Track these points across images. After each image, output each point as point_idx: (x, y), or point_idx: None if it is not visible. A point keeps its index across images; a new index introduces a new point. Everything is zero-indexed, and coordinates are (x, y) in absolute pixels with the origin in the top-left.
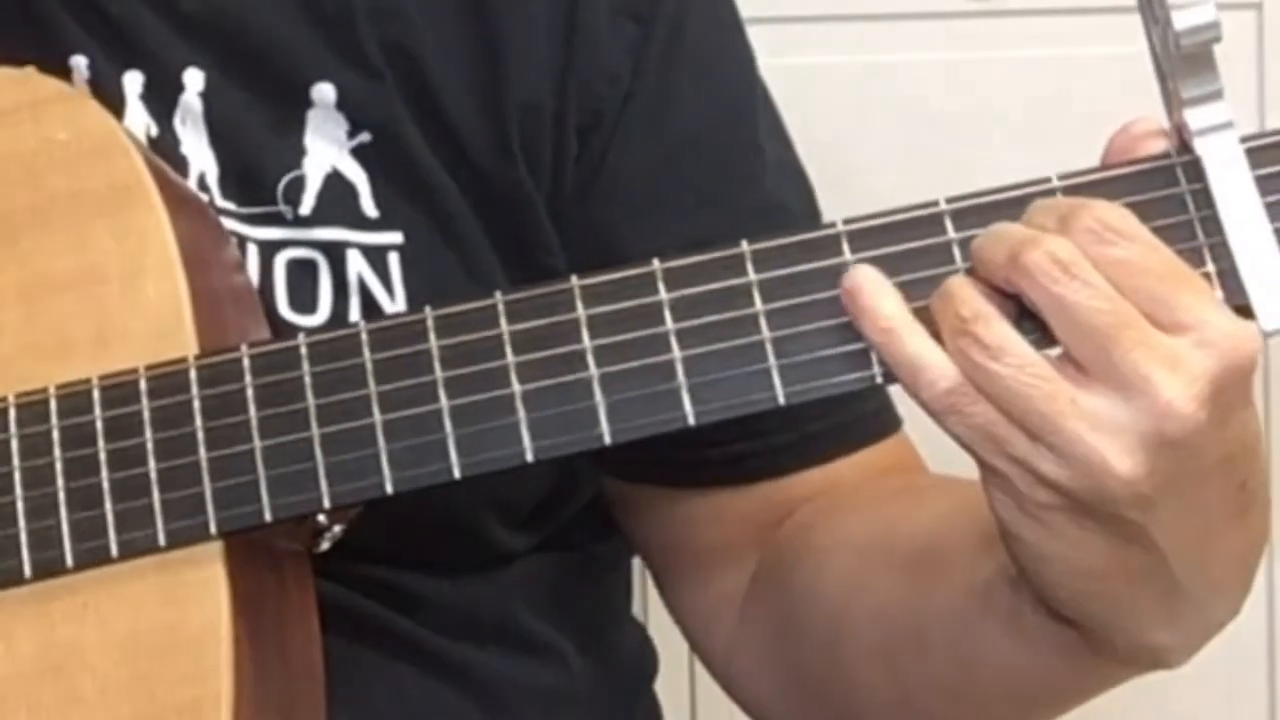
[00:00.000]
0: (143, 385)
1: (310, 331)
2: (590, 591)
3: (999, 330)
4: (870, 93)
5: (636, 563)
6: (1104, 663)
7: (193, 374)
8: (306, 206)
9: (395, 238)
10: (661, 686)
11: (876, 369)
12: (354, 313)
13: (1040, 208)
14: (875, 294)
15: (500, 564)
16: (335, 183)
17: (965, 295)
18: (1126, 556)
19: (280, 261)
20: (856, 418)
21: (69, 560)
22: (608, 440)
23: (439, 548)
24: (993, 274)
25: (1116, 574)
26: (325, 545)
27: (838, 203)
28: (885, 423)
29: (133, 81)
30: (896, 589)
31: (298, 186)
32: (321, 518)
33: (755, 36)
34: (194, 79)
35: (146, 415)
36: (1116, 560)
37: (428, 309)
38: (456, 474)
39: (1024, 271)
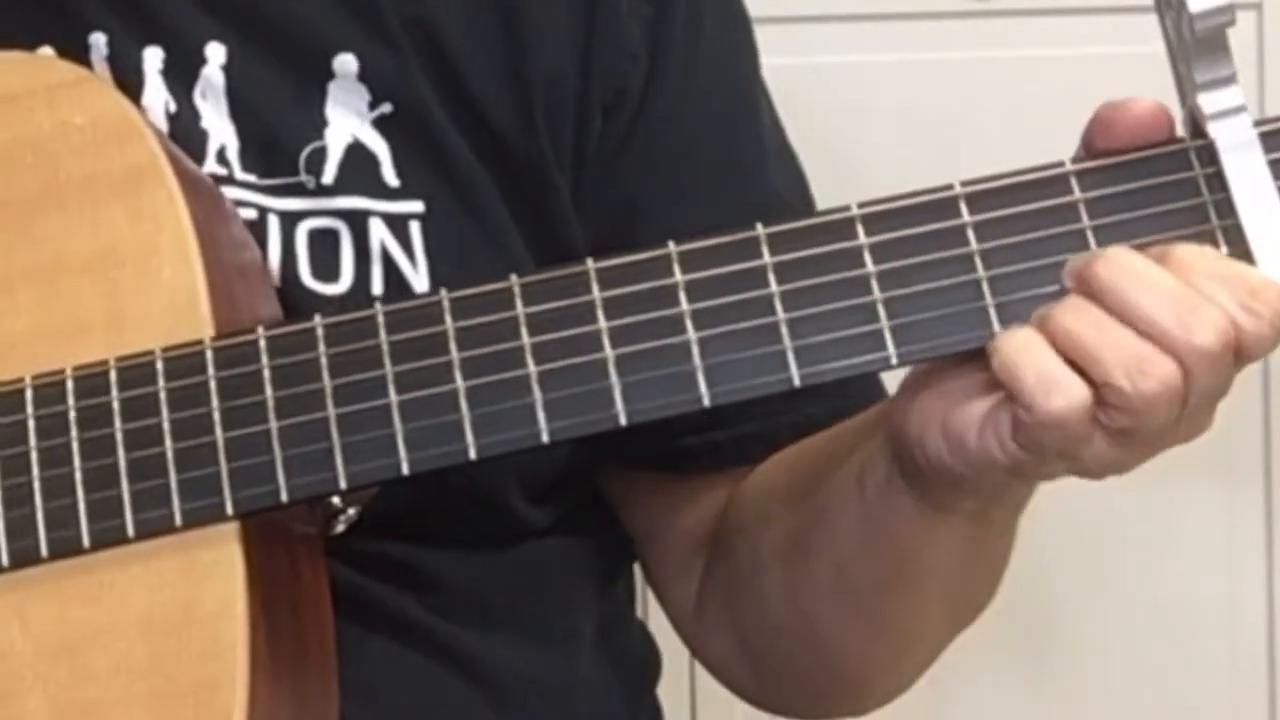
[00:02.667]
0: (159, 366)
1: (329, 309)
2: (598, 585)
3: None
4: (869, 93)
5: (636, 565)
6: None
7: (209, 355)
8: (328, 176)
9: (416, 206)
10: (661, 687)
11: (892, 350)
12: (376, 280)
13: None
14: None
15: (515, 543)
16: (357, 153)
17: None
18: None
19: (302, 231)
20: (851, 396)
21: (85, 540)
22: (623, 421)
23: (458, 519)
24: (1146, 329)
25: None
26: (341, 528)
27: (837, 202)
28: (877, 400)
29: (153, 57)
30: (791, 513)
31: (319, 157)
32: (337, 500)
33: (755, 36)
34: (215, 52)
35: (163, 396)
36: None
37: (443, 291)
38: (472, 455)
39: (1198, 355)
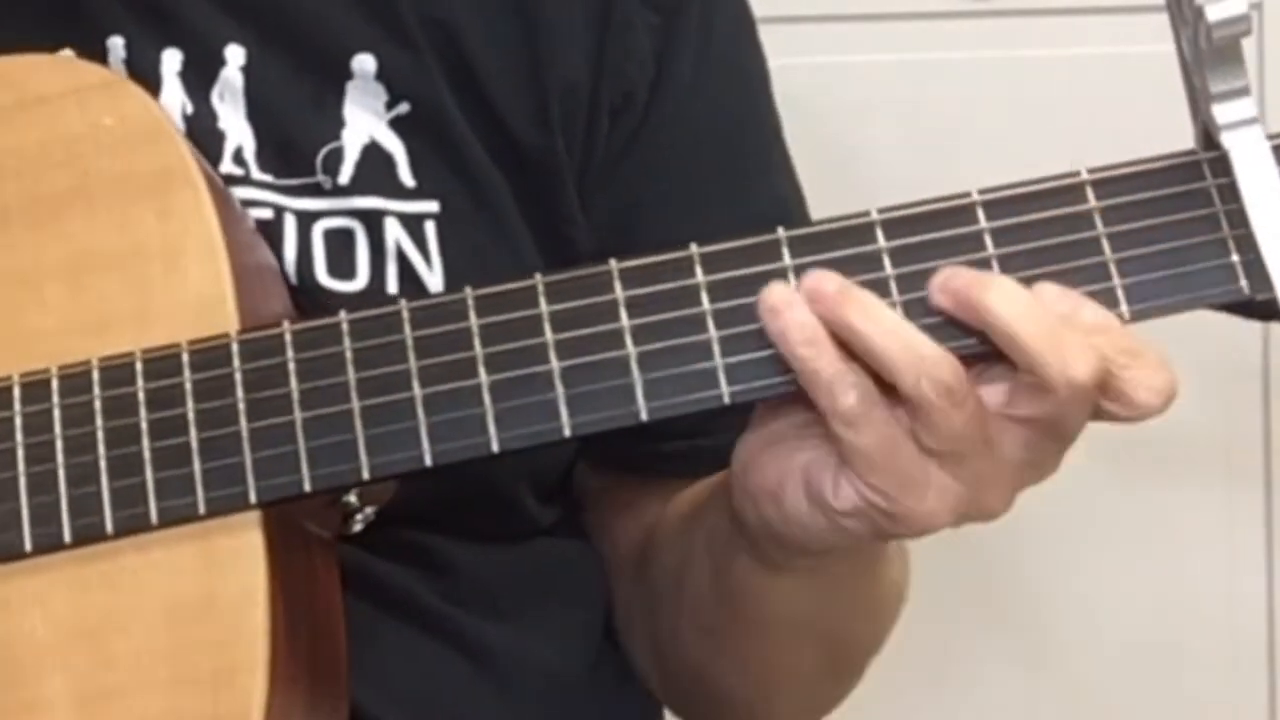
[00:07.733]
0: (185, 358)
1: (345, 306)
2: (602, 584)
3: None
4: (869, 93)
5: None
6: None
7: (234, 347)
8: (345, 176)
9: (432, 206)
10: None
11: None
12: (391, 279)
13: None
14: (792, 309)
15: (523, 540)
16: (373, 153)
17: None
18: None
19: (318, 230)
20: None
21: (109, 527)
22: (644, 417)
23: (471, 513)
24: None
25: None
26: (358, 527)
27: (838, 203)
28: None
29: (171, 59)
30: (677, 540)
31: (336, 157)
32: (354, 498)
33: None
34: (235, 54)
35: (189, 387)
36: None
37: (468, 289)
38: (495, 448)
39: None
